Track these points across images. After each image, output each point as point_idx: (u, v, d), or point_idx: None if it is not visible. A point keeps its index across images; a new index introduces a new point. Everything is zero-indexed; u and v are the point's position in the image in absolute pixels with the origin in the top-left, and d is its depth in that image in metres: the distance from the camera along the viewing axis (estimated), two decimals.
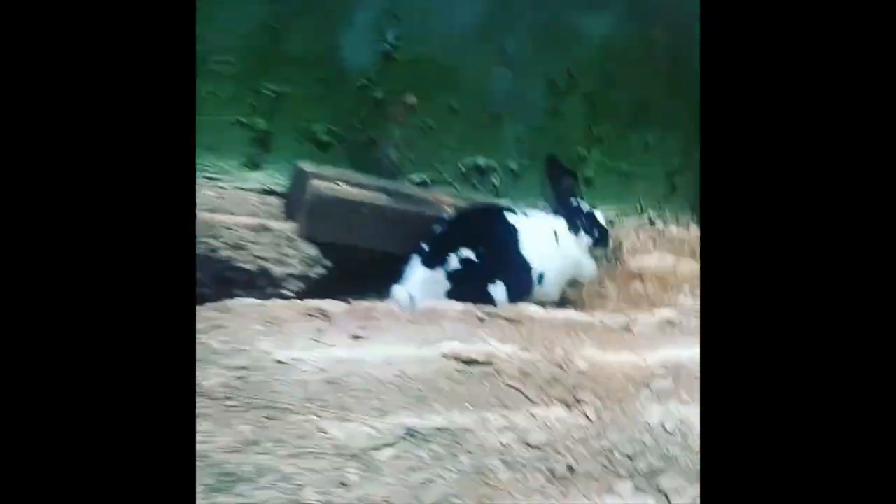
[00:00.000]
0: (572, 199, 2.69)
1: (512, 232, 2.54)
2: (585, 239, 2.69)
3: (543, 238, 2.60)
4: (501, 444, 1.73)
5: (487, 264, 2.50)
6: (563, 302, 2.76)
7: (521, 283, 2.55)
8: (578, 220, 2.66)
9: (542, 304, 2.59)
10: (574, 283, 2.85)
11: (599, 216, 2.71)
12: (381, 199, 2.64)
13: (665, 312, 2.54)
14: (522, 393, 1.91)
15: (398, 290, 2.56)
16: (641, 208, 3.24)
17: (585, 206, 2.70)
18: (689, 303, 2.85)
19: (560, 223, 2.68)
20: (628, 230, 3.25)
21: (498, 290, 2.51)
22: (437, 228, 2.57)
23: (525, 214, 2.64)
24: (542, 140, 2.96)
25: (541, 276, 2.59)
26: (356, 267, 2.53)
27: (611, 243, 3.06)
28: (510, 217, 2.57)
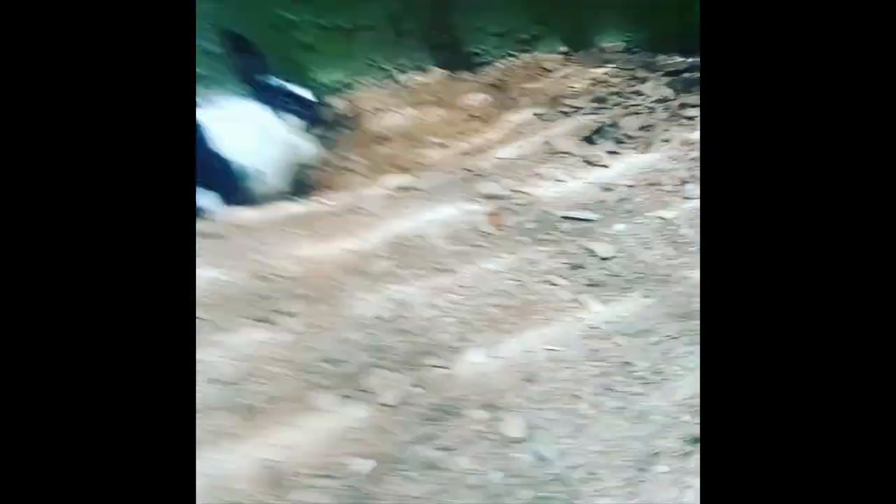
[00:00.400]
0: (266, 78, 2.37)
1: (203, 131, 2.22)
2: (291, 118, 2.41)
3: (242, 129, 2.30)
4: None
5: None
6: (300, 189, 2.51)
7: (230, 185, 2.27)
8: (279, 102, 2.37)
9: (269, 200, 2.35)
10: (306, 168, 2.61)
11: (304, 93, 2.42)
12: None
13: (397, 179, 2.37)
14: (215, 324, 1.71)
15: None
16: (375, 63, 2.97)
17: (277, 82, 2.39)
18: (436, 155, 2.70)
19: (255, 107, 2.37)
20: (367, 91, 3.00)
21: (207, 199, 2.23)
22: None
23: (219, 108, 2.30)
24: (241, 13, 2.56)
25: (254, 173, 2.32)
26: None
27: (339, 105, 2.80)
28: (199, 114, 2.23)
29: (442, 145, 2.75)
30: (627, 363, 1.74)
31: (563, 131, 2.61)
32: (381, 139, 2.82)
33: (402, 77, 3.05)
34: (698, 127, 2.66)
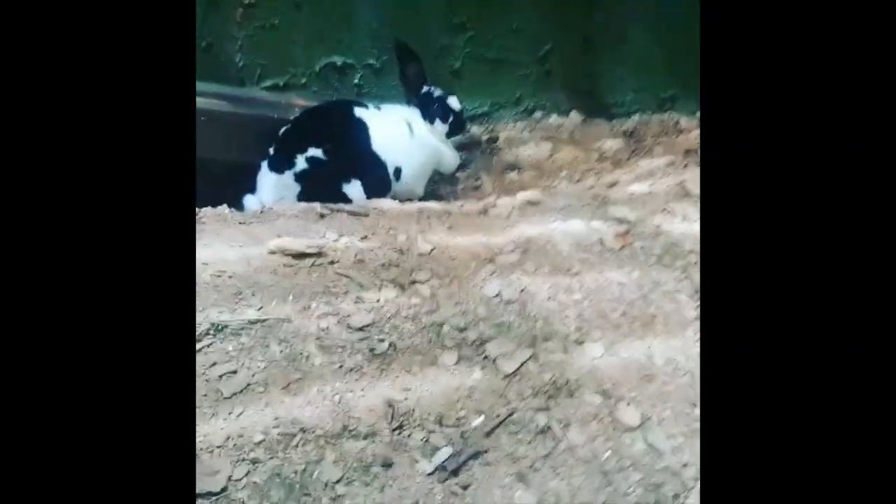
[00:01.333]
0: (424, 87, 2.57)
1: (361, 127, 2.42)
2: (441, 127, 2.57)
3: (396, 130, 2.49)
4: (320, 329, 1.65)
5: (337, 162, 2.38)
6: (431, 197, 2.66)
7: (377, 179, 2.44)
8: (431, 108, 2.55)
9: (405, 200, 2.50)
10: (446, 178, 2.76)
11: (453, 102, 2.59)
12: (218, 105, 2.48)
13: (527, 194, 2.47)
14: (353, 280, 1.83)
15: (250, 200, 2.44)
16: (517, 99, 3.14)
17: (437, 92, 2.57)
18: (563, 185, 2.79)
19: (413, 113, 2.56)
20: (505, 121, 3.16)
21: (353, 188, 2.41)
22: (282, 130, 2.44)
23: (377, 108, 2.51)
24: (400, 32, 2.81)
25: (398, 171, 2.49)
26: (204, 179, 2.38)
27: (477, 131, 2.97)
28: (358, 112, 2.45)
29: (571, 179, 2.85)
30: None
31: (695, 176, 2.64)
32: (514, 167, 2.95)
33: (538, 114, 3.20)
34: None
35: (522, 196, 2.47)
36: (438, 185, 2.83)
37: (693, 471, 1.47)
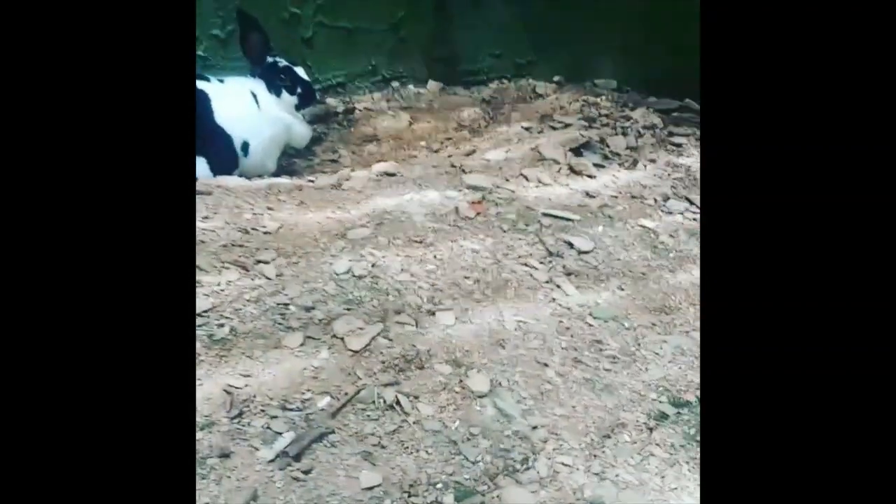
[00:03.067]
0: (268, 57, 2.46)
1: (203, 100, 2.29)
2: (289, 99, 2.48)
3: (241, 103, 2.38)
4: None
5: None
6: (285, 173, 2.57)
7: (222, 155, 2.33)
8: (277, 80, 2.45)
9: (255, 176, 2.40)
10: (301, 152, 2.67)
11: (300, 72, 2.50)
12: None
13: (382, 166, 2.43)
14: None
15: None
16: (373, 68, 3.08)
17: (283, 62, 2.47)
18: (422, 156, 2.77)
19: (259, 85, 2.45)
20: (362, 92, 3.10)
21: (198, 166, 2.27)
22: None
23: (220, 81, 2.38)
24: (246, 3, 2.67)
25: (245, 146, 2.38)
26: None
27: (333, 103, 2.90)
28: (200, 85, 2.31)
29: (430, 148, 2.83)
30: (598, 342, 1.77)
31: (551, 141, 2.70)
32: (372, 139, 2.90)
33: (396, 84, 3.16)
34: (684, 152, 2.77)
35: (378, 168, 2.43)
36: (294, 160, 2.74)
37: (543, 433, 1.50)
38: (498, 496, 1.34)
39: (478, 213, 2.20)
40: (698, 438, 1.55)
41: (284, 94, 2.48)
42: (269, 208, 2.04)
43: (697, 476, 1.47)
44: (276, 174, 2.49)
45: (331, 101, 3.00)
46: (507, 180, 2.42)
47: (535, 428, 1.51)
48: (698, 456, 1.52)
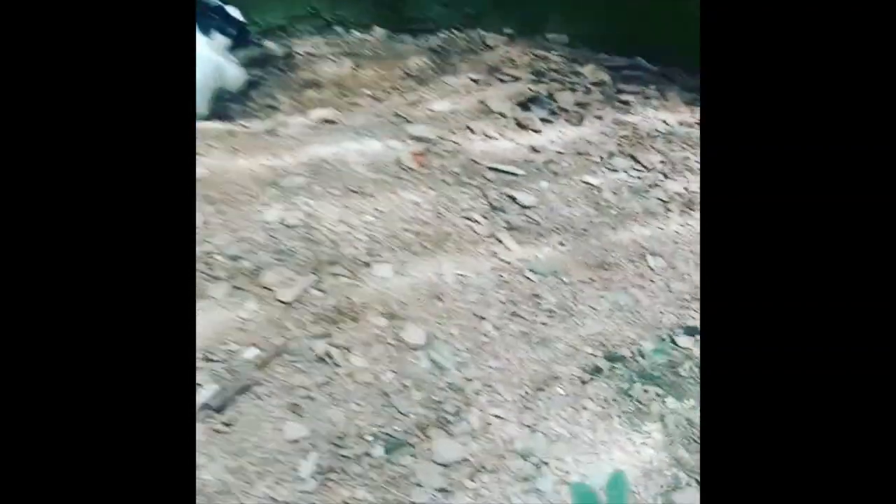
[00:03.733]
0: None
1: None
2: (221, 39, 2.37)
3: None
4: None
5: None
6: (216, 117, 2.46)
7: None
8: (207, 19, 2.33)
9: None
10: (236, 97, 2.56)
11: (233, 12, 2.39)
12: None
13: (321, 112, 2.36)
14: None
15: None
16: (315, 11, 2.97)
17: (214, 2, 2.35)
18: (365, 104, 2.70)
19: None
20: (303, 36, 2.99)
21: None
22: None
23: None
24: None
25: None
26: None
27: (272, 46, 2.79)
28: None
29: (375, 97, 2.76)
30: (536, 296, 1.77)
31: (498, 95, 2.66)
32: (313, 85, 2.81)
33: (340, 29, 3.06)
34: (632, 110, 2.77)
35: (316, 114, 2.36)
36: (229, 105, 2.63)
37: (477, 385, 1.50)
38: (428, 448, 1.33)
39: (420, 165, 2.16)
40: (631, 393, 1.57)
41: (216, 34, 2.36)
42: (199, 154, 1.95)
43: (629, 429, 1.50)
44: (207, 118, 2.39)
45: (269, 44, 2.88)
46: (453, 132, 2.38)
47: (469, 380, 1.50)
48: (631, 409, 1.55)
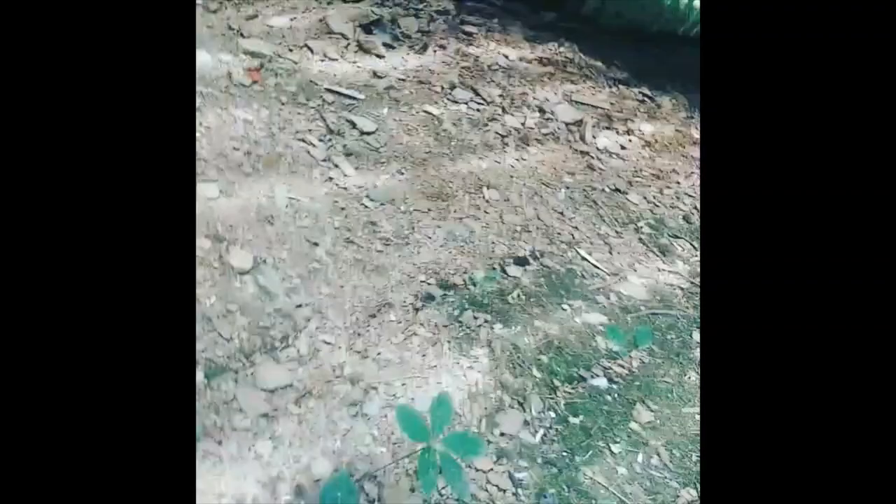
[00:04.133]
0: None
1: None
2: None
3: None
4: None
5: None
6: None
7: None
8: None
9: None
10: None
11: None
12: None
13: None
14: None
15: None
16: None
17: None
18: (196, 13, 2.48)
19: None
20: None
21: None
22: None
23: None
24: None
25: None
26: None
27: None
28: None
29: (206, 7, 2.55)
30: (373, 223, 1.75)
31: (340, 14, 2.56)
32: None
33: None
34: (475, 42, 2.77)
35: None
36: None
37: (307, 311, 1.47)
38: (252, 373, 1.29)
39: (254, 81, 2.03)
40: (461, 319, 1.62)
41: None
42: None
43: (457, 354, 1.54)
44: None
45: None
46: (291, 50, 2.27)
47: (298, 306, 1.47)
48: (460, 335, 1.59)
